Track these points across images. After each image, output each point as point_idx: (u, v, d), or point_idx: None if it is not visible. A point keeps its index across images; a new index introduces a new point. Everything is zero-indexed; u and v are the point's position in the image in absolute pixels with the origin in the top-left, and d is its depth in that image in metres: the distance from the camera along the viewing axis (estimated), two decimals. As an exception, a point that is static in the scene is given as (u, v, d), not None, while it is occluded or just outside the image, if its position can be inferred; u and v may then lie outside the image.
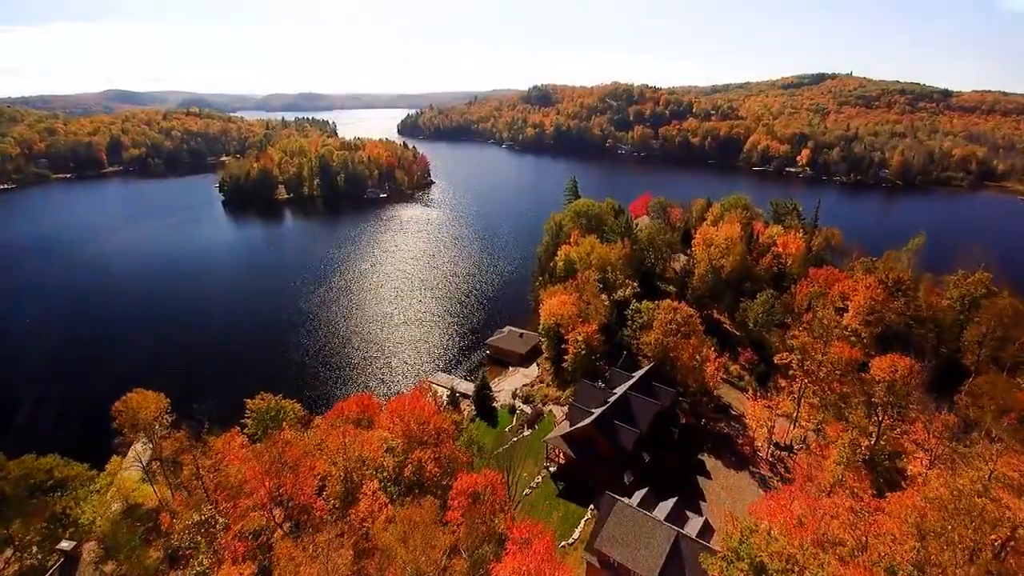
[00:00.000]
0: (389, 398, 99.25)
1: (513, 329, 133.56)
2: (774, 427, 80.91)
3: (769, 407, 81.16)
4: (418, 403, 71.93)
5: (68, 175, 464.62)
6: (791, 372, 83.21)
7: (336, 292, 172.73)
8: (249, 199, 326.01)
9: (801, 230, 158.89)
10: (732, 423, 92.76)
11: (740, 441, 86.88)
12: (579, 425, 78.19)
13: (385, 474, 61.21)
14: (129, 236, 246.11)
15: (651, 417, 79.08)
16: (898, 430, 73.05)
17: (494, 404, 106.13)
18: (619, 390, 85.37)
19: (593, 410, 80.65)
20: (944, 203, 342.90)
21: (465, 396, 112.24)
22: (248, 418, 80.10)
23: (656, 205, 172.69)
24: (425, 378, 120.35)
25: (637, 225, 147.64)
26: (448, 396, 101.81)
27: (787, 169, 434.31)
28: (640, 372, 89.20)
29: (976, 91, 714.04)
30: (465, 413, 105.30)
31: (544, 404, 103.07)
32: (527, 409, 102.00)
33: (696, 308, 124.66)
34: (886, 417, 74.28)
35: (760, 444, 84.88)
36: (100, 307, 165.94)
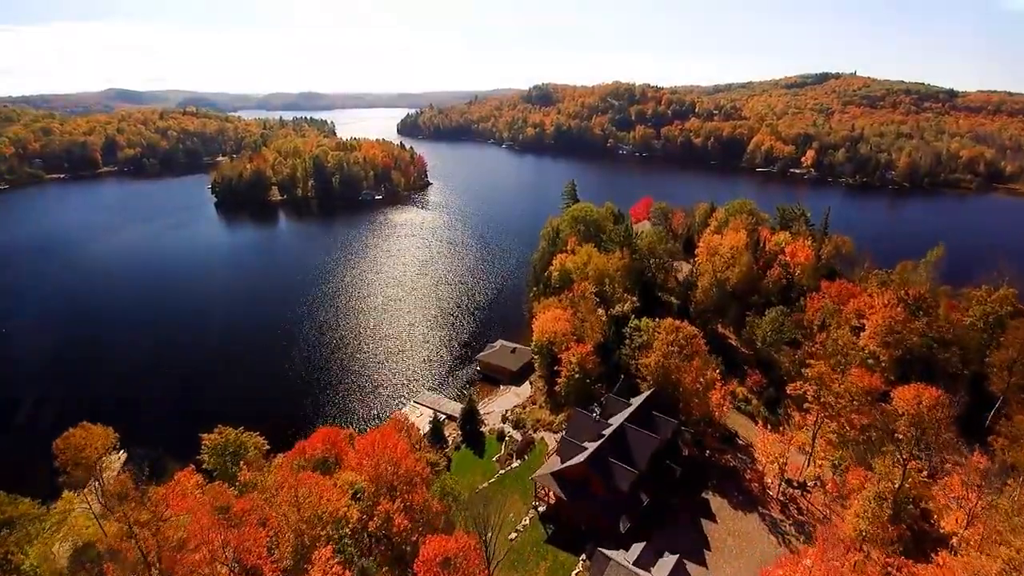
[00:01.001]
0: (360, 432, 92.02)
1: (505, 344, 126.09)
2: (786, 463, 73.33)
3: (782, 442, 73.55)
4: (390, 440, 64.49)
5: (62, 175, 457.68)
6: (806, 405, 75.42)
7: (321, 303, 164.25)
8: (242, 201, 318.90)
9: (810, 237, 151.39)
10: (739, 455, 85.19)
11: (748, 476, 79.31)
12: (571, 463, 70.72)
13: (347, 529, 53.80)
14: (114, 241, 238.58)
15: (650, 454, 71.58)
16: (925, 472, 65.63)
17: (482, 429, 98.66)
18: (615, 420, 77.87)
19: (586, 445, 73.20)
20: (954, 206, 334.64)
21: (452, 418, 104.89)
22: (204, 454, 72.68)
23: (658, 211, 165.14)
24: (411, 399, 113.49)
25: (638, 235, 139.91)
26: (431, 422, 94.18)
27: (791, 170, 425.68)
28: (638, 400, 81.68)
29: (981, 91, 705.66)
30: (451, 440, 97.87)
31: (535, 430, 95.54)
32: (517, 436, 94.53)
33: (699, 323, 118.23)
34: (911, 458, 66.83)
35: (770, 480, 77.33)
36: (72, 317, 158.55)
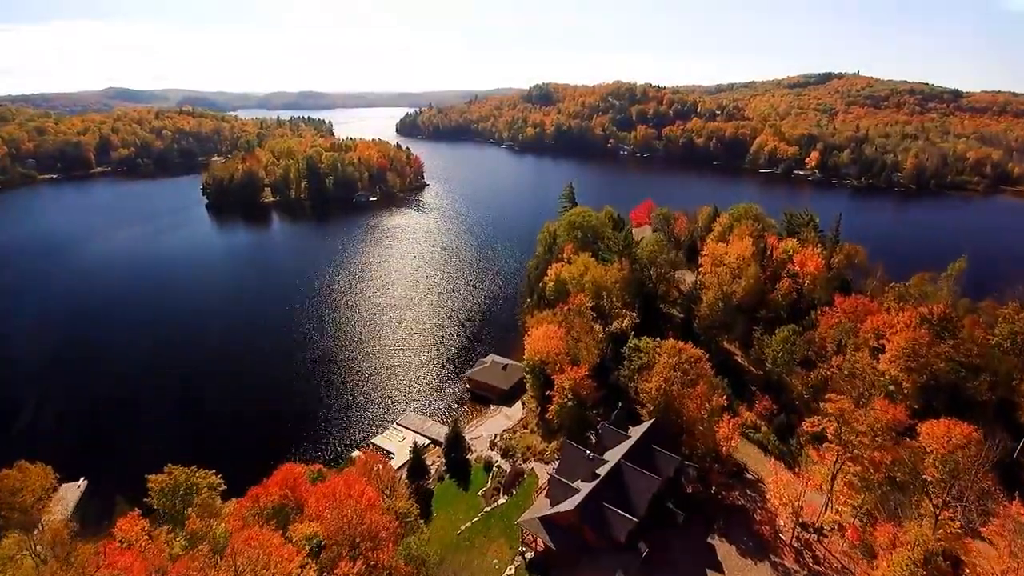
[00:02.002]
0: (331, 465, 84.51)
1: (497, 359, 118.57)
2: (801, 506, 65.76)
3: (797, 482, 65.95)
4: (356, 487, 57.05)
5: (55, 175, 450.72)
6: (825, 445, 67.65)
7: (305, 315, 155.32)
8: (234, 203, 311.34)
9: (819, 245, 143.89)
10: (748, 491, 77.62)
11: (758, 518, 71.72)
12: (561, 508, 63.22)
13: (299, 597, 46.37)
14: (95, 248, 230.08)
15: (650, 497, 64.05)
16: (959, 524, 58.18)
17: (468, 456, 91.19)
18: (611, 455, 70.35)
19: (579, 486, 65.67)
20: (962, 209, 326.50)
21: (437, 443, 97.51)
22: (151, 497, 65.18)
23: (659, 217, 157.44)
24: (394, 420, 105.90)
25: (638, 243, 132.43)
26: (412, 450, 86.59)
27: (795, 172, 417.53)
28: (638, 432, 74.18)
29: (986, 92, 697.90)
30: (434, 468, 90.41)
31: (525, 460, 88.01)
32: (505, 466, 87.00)
33: (704, 339, 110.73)
34: (944, 507, 59.45)
35: (783, 523, 69.75)
36: (42, 329, 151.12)
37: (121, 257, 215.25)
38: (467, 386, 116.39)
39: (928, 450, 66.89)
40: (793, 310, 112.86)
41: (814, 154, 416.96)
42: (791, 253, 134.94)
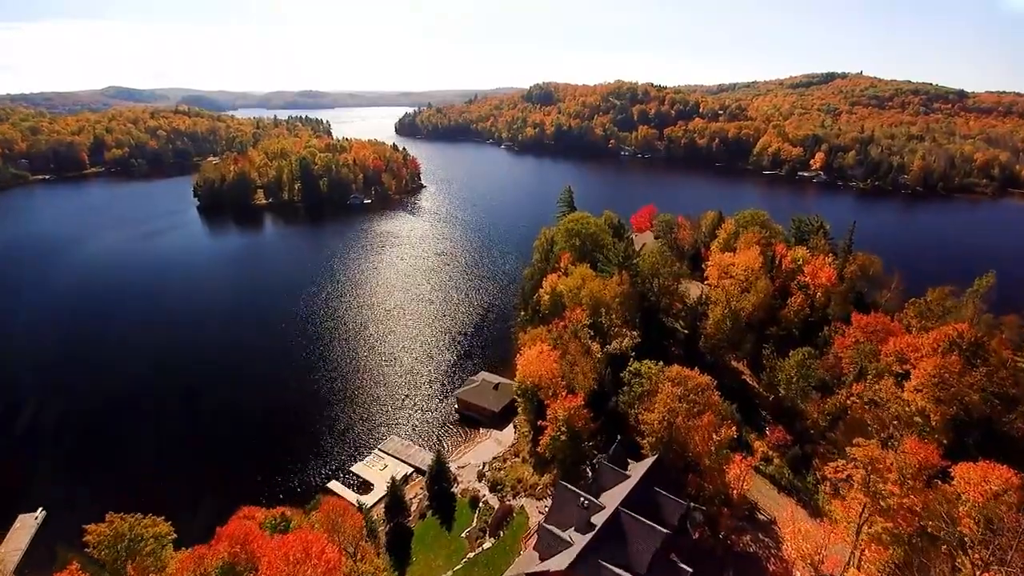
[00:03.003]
0: (301, 504, 77.07)
1: (488, 378, 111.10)
2: (822, 560, 58.35)
3: (817, 526, 58.48)
4: (315, 545, 49.66)
5: (48, 176, 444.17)
6: (851, 495, 60.18)
7: (284, 332, 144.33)
8: (225, 205, 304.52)
9: (830, 254, 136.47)
10: (760, 534, 70.18)
11: (772, 567, 64.33)
12: (551, 565, 55.87)
13: None
14: (78, 252, 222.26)
15: (653, 551, 56.61)
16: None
17: (453, 489, 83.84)
18: (609, 499, 62.90)
19: (572, 536, 58.26)
20: (972, 213, 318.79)
21: (420, 472, 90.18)
22: (92, 549, 57.86)
23: (662, 224, 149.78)
24: (377, 446, 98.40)
25: (639, 253, 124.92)
26: (390, 485, 79.10)
27: (800, 173, 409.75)
28: (638, 471, 66.65)
29: (991, 92, 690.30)
30: (416, 502, 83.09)
31: (515, 494, 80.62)
32: (493, 502, 79.61)
33: (710, 358, 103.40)
34: (984, 568, 51.94)
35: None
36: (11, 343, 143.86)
37: (102, 264, 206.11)
38: (456, 407, 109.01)
39: (962, 497, 59.59)
40: (805, 327, 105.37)
41: (819, 155, 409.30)
42: (801, 263, 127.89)
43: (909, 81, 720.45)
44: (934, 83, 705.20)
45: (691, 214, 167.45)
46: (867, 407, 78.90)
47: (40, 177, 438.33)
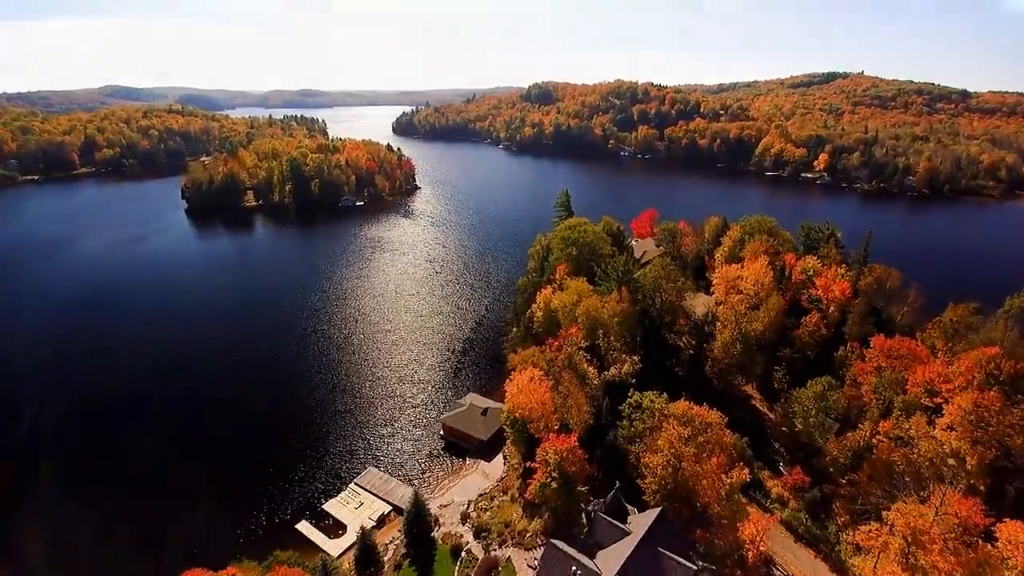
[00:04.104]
0: (263, 559, 68.54)
1: (476, 402, 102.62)
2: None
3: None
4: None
5: (37, 176, 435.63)
6: (886, 565, 51.99)
7: (260, 349, 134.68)
8: (214, 207, 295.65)
9: (843, 264, 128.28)
10: (777, 595, 62.01)
11: (793, 638, 56.15)
12: (537, 652, 47.63)
13: None
14: (58, 258, 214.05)
15: (656, 633, 48.41)
16: None
17: (434, 533, 75.51)
18: (605, 562, 54.65)
19: (563, 612, 50.06)
20: (981, 216, 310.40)
21: (399, 510, 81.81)
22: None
23: (665, 233, 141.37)
24: (352, 480, 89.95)
25: (638, 261, 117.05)
26: (361, 534, 70.61)
27: (803, 175, 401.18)
28: (640, 526, 58.37)
29: (993, 92, 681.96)
30: (391, 551, 74.76)
31: (502, 542, 72.26)
32: (477, 551, 71.30)
33: (718, 382, 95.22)
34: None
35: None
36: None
37: (72, 275, 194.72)
38: (441, 433, 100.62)
39: (1008, 561, 51.57)
40: (821, 348, 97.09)
41: (823, 156, 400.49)
42: (811, 274, 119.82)
43: (911, 81, 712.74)
44: (937, 83, 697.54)
45: (693, 220, 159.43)
46: (894, 445, 70.88)
47: (29, 178, 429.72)
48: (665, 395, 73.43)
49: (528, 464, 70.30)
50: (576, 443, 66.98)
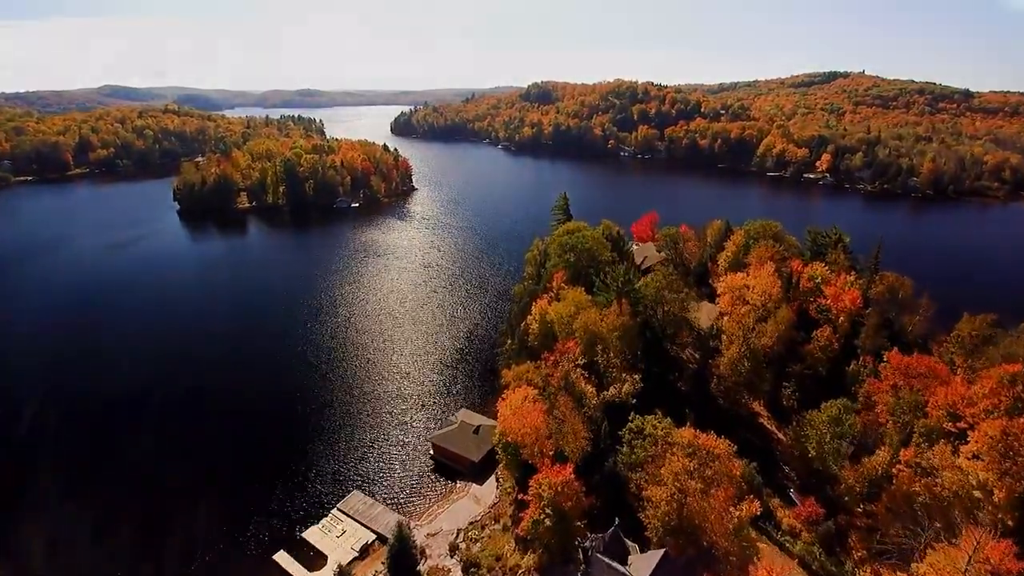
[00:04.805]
0: None
1: (467, 419, 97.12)
2: None
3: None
4: None
5: (30, 177, 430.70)
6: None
7: (244, 360, 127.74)
8: (207, 209, 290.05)
9: (851, 271, 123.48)
10: (792, 644, 56.88)
11: None
12: None
13: None
14: (42, 263, 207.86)
15: None
16: None
17: (420, 568, 70.35)
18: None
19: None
20: (986, 218, 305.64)
21: (383, 539, 76.54)
22: None
23: (667, 239, 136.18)
24: (335, 505, 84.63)
25: (639, 267, 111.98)
26: (336, 572, 65.40)
27: (805, 175, 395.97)
28: (642, 571, 53.22)
29: (995, 92, 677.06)
30: (374, 585, 69.57)
31: (493, 579, 67.14)
32: (466, 589, 66.18)
33: (724, 400, 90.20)
34: None
35: None
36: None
37: (49, 285, 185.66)
38: (431, 452, 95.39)
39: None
40: (832, 363, 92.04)
41: (825, 157, 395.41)
42: (819, 281, 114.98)
43: (913, 80, 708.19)
44: (937, 82, 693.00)
45: (695, 224, 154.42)
46: (915, 474, 65.75)
47: (23, 179, 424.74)
48: (668, 419, 68.29)
49: (520, 496, 65.07)
50: (572, 475, 61.74)
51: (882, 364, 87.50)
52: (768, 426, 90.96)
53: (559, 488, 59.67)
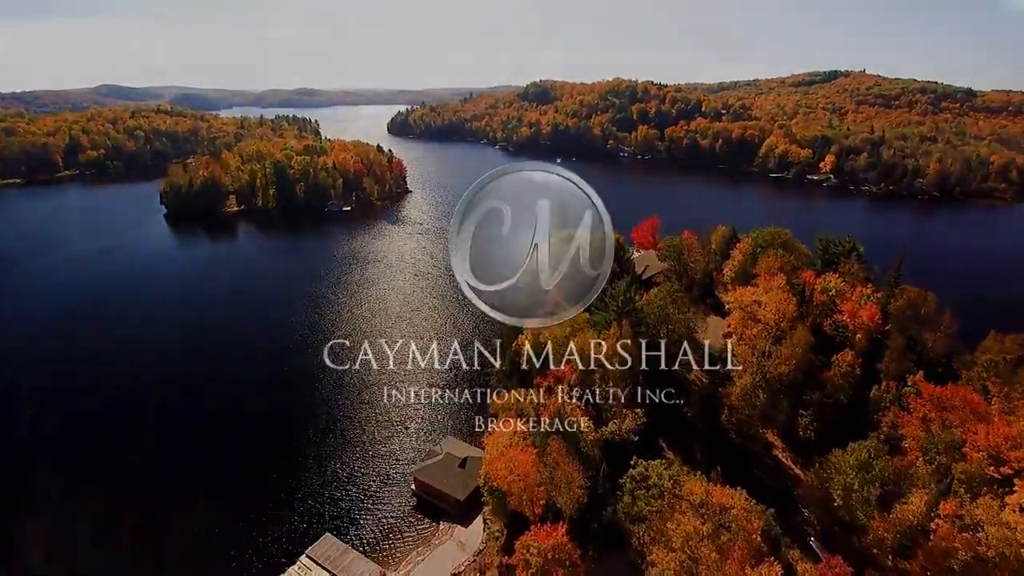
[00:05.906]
0: None
1: (452, 450, 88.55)
2: None
3: None
4: None
5: (19, 180, 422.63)
6: None
7: (215, 380, 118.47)
8: (195, 212, 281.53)
9: (867, 283, 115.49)
10: None
11: None
12: None
13: None
14: (20, 272, 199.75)
15: None
16: None
17: (395, 631, 62.28)
18: None
19: None
20: (995, 219, 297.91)
21: (358, 592, 68.53)
22: None
23: (670, 249, 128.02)
24: (305, 551, 76.34)
25: (640, 278, 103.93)
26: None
27: (808, 176, 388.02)
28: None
29: (998, 91, 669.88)
30: (341, 655, 61.44)
31: (476, 648, 59.11)
32: (444, 661, 58.07)
33: (736, 433, 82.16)
34: None
35: None
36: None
37: (51, 291, 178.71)
38: (412, 487, 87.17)
39: None
40: (852, 390, 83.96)
41: (829, 157, 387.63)
42: (834, 294, 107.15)
43: (915, 79, 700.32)
44: (940, 81, 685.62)
45: (698, 229, 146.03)
46: (955, 527, 57.72)
47: (11, 181, 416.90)
48: (677, 464, 60.16)
49: (506, 560, 56.96)
50: (565, 535, 53.60)
51: (906, 389, 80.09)
52: (783, 459, 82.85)
53: (549, 554, 51.53)
